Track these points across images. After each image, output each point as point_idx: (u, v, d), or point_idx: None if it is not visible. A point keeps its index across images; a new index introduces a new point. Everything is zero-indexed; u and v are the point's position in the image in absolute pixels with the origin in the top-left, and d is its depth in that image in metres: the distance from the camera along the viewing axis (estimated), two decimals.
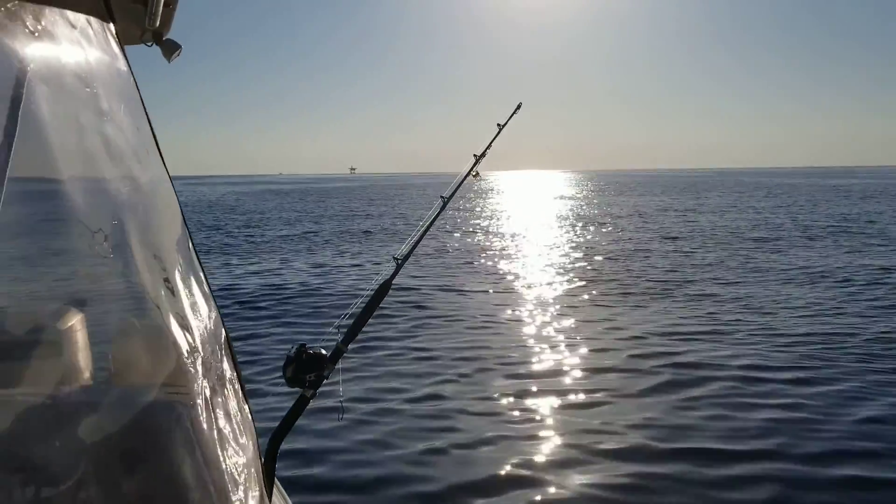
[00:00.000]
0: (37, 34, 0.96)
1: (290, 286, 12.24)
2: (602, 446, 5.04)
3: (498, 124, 2.43)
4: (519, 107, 2.51)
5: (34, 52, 0.96)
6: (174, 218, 1.32)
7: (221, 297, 11.45)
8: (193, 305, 1.25)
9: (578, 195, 58.03)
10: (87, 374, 1.01)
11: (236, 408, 1.36)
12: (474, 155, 2.36)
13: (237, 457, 1.29)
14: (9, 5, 0.92)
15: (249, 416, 1.44)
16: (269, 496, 1.57)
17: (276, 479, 1.69)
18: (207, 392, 1.23)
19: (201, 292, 1.32)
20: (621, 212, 34.33)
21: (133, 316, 1.12)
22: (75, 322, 0.96)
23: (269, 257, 16.99)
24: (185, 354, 1.18)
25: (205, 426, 1.24)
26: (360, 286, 11.40)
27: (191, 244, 1.35)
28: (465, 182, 2.33)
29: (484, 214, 29.03)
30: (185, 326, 1.20)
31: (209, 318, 1.34)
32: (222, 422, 1.27)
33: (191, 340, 1.20)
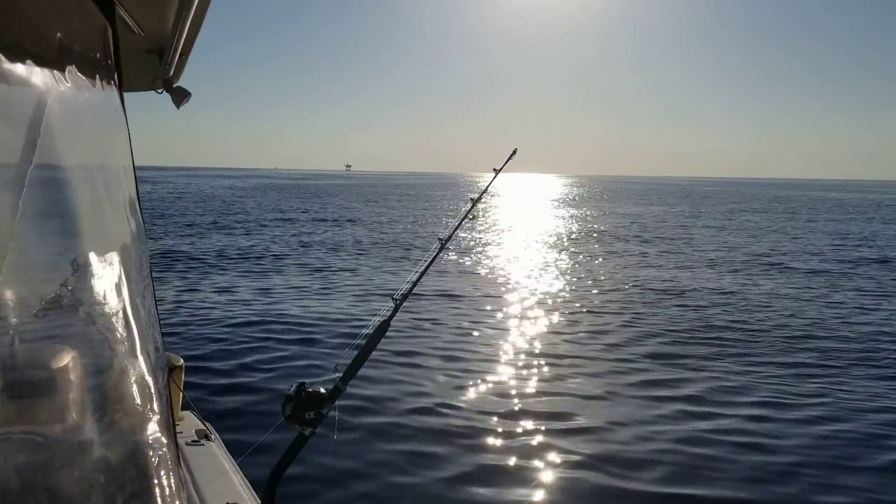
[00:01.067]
0: (38, 90, 1.06)
1: (289, 302, 12.22)
2: (612, 482, 5.02)
3: (494, 169, 2.54)
4: (514, 152, 2.61)
5: (53, 98, 1.07)
6: (143, 245, 1.42)
7: (214, 313, 11.44)
8: (153, 334, 1.33)
9: (575, 203, 58.00)
10: (78, 414, 1.02)
11: (172, 439, 1.43)
12: (471, 198, 2.46)
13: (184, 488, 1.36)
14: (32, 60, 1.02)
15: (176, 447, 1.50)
16: None
17: None
18: (165, 426, 1.31)
19: (157, 319, 1.41)
20: (621, 221, 34.48)
21: (111, 351, 1.14)
22: (68, 360, 0.98)
23: (266, 266, 16.91)
24: (154, 389, 1.26)
25: (175, 461, 1.32)
26: (361, 304, 11.37)
27: (149, 266, 1.45)
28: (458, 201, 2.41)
29: (480, 227, 28.71)
30: (151, 359, 1.28)
31: (162, 346, 1.43)
32: (177, 457, 1.35)
33: (155, 375, 1.27)
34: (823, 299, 12.76)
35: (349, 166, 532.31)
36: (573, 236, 26.20)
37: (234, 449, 2.87)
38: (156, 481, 1.25)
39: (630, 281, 14.63)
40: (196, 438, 2.85)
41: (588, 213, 42.88)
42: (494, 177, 2.55)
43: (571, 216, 39.32)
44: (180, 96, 2.17)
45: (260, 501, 2.31)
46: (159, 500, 1.24)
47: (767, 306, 11.87)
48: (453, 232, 2.36)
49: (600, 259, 18.76)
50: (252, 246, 20.06)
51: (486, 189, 2.53)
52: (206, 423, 3.05)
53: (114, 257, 1.23)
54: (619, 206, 51.98)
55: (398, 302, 2.22)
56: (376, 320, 2.16)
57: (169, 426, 1.42)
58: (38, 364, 0.95)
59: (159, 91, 2.22)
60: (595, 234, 26.91)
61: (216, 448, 2.79)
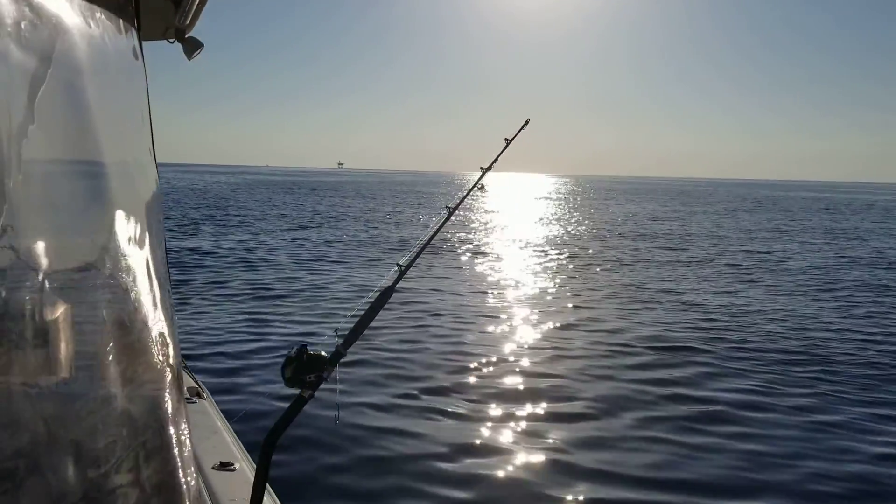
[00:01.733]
0: (64, 26, 1.00)
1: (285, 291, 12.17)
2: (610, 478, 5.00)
3: (506, 139, 2.46)
4: (527, 122, 2.53)
5: (61, 41, 1.01)
6: (158, 212, 1.38)
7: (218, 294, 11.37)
8: (165, 297, 1.29)
9: (571, 203, 58.17)
10: (71, 368, 0.99)
11: (182, 403, 1.40)
12: (481, 168, 2.40)
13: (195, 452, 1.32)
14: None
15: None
16: (261, 497, 1.59)
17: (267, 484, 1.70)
18: (175, 388, 1.27)
19: (168, 285, 1.36)
20: (618, 220, 34.62)
21: (118, 310, 1.12)
22: (61, 312, 0.96)
23: (260, 257, 16.91)
24: (163, 350, 1.21)
25: (184, 423, 1.27)
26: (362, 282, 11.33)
27: (163, 215, 1.41)
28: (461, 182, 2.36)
29: (473, 226, 28.54)
30: (162, 320, 1.23)
31: (172, 309, 1.38)
32: (188, 419, 1.31)
33: (166, 335, 1.23)
34: (821, 295, 12.84)
35: (341, 164, 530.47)
36: (571, 235, 26.24)
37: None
38: (170, 434, 1.22)
39: (630, 280, 14.67)
40: (188, 396, 2.78)
41: (585, 212, 43.01)
42: (505, 146, 2.48)
43: (567, 215, 39.42)
44: (193, 47, 2.09)
45: (252, 460, 2.25)
46: (175, 451, 1.21)
47: (767, 306, 11.93)
48: (462, 201, 2.29)
49: (598, 257, 18.80)
50: (246, 240, 20.01)
51: (496, 158, 2.46)
52: (199, 381, 2.98)
53: (138, 202, 1.22)
54: (617, 205, 52.14)
55: (403, 269, 2.15)
56: (379, 286, 2.08)
57: (181, 380, 1.38)
58: (63, 314, 0.94)
59: (171, 41, 2.15)
60: (593, 233, 26.97)
61: (208, 406, 2.74)
